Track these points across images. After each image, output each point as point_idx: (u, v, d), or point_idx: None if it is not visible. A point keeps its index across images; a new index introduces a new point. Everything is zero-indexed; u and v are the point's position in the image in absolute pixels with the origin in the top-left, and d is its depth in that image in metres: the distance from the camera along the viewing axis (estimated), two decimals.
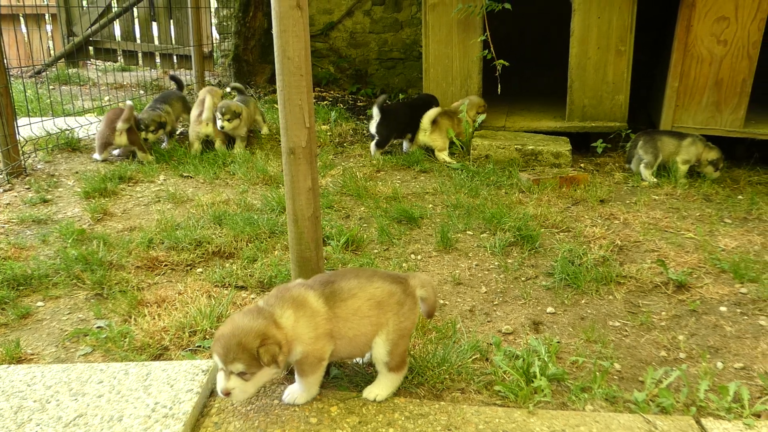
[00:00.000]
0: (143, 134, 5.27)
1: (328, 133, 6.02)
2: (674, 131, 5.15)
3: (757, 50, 5.04)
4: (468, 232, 3.97)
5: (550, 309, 3.11)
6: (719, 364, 2.69)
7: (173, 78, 6.44)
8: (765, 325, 2.99)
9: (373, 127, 5.44)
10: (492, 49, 5.47)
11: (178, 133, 6.01)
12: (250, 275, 3.25)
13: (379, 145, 5.46)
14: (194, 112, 5.56)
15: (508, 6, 5.30)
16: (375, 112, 5.41)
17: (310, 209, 2.31)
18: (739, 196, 4.74)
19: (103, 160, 5.19)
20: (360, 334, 2.19)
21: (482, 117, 5.59)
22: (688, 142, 4.97)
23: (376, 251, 3.68)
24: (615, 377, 2.59)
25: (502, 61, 5.38)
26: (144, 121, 5.30)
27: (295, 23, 2.13)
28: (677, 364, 2.68)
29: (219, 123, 5.29)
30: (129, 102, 5.31)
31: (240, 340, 1.96)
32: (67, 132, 5.55)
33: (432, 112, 5.38)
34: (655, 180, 4.97)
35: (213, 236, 3.66)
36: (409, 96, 7.59)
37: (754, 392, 2.49)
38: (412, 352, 2.60)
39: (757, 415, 2.34)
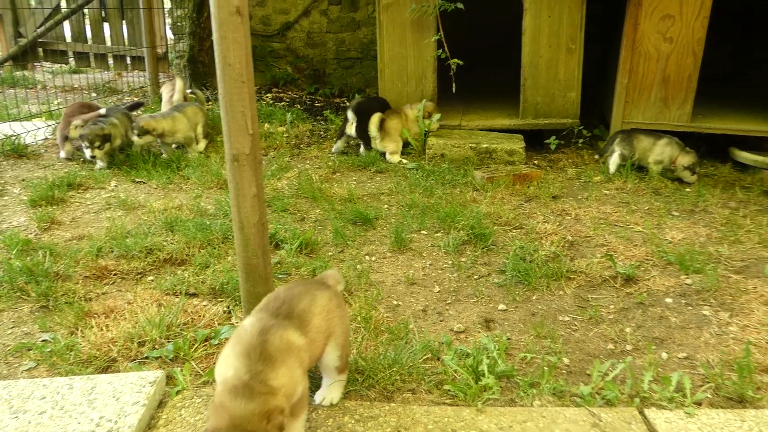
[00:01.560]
0: (88, 151, 5.00)
1: (285, 135, 5.99)
2: (653, 131, 5.20)
3: (702, 47, 5.18)
4: (422, 231, 4.00)
5: (501, 306, 3.16)
6: (664, 355, 2.77)
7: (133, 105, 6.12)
8: (708, 315, 3.09)
9: (353, 131, 5.47)
10: (446, 48, 5.51)
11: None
12: (202, 282, 3.22)
13: (366, 146, 5.52)
14: (165, 95, 5.89)
15: (460, 6, 5.34)
16: (350, 115, 5.45)
17: (256, 216, 2.30)
18: (687, 189, 4.87)
19: (68, 159, 5.20)
20: (320, 348, 2.16)
21: (437, 116, 5.62)
22: (663, 143, 5.03)
23: (330, 253, 3.68)
24: (563, 372, 2.64)
25: (456, 60, 5.42)
26: (87, 136, 4.96)
27: (235, 30, 2.12)
28: (624, 356, 2.75)
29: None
30: (102, 110, 5.42)
31: (245, 430, 1.73)
32: (14, 138, 5.41)
33: (375, 118, 5.38)
34: (613, 171, 5.08)
35: (165, 243, 3.61)
36: (367, 95, 7.62)
37: (696, 381, 2.57)
38: (363, 355, 2.62)
39: (699, 404, 2.41)
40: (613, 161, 5.11)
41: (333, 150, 5.60)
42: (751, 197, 4.73)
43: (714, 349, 2.80)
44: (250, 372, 1.80)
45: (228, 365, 1.85)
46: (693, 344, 2.85)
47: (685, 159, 4.97)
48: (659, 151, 5.03)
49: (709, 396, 2.47)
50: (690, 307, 3.16)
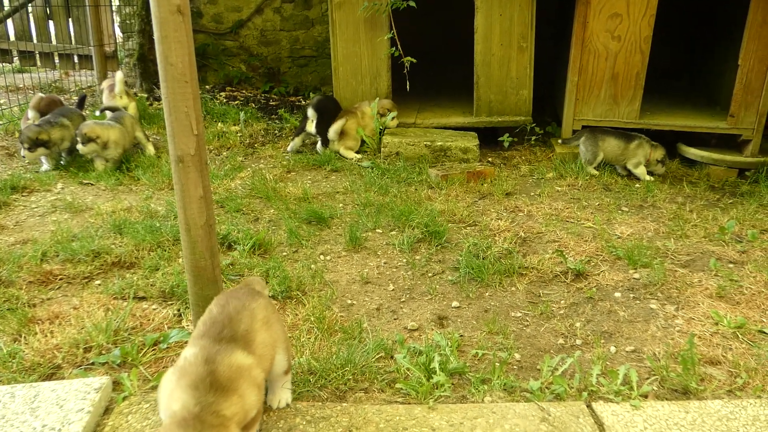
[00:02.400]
0: (22, 152, 4.85)
1: (238, 134, 5.91)
2: (621, 132, 5.28)
3: (649, 45, 5.30)
4: (377, 230, 4.00)
5: (455, 303, 3.18)
6: (612, 349, 2.83)
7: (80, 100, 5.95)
8: (655, 309, 3.17)
9: (313, 128, 5.47)
10: (399, 46, 5.52)
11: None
12: (151, 285, 3.15)
13: (324, 144, 5.53)
14: (106, 90, 5.95)
15: (412, 3, 5.35)
16: (311, 113, 5.44)
17: (203, 217, 2.26)
18: (637, 185, 4.99)
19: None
20: (269, 360, 2.10)
21: (394, 113, 5.62)
22: (635, 145, 5.12)
23: (284, 254, 3.65)
24: (515, 367, 2.68)
25: (409, 58, 5.43)
26: (21, 137, 4.80)
27: (176, 28, 2.08)
28: (574, 350, 2.80)
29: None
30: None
31: None
32: None
33: (337, 126, 5.40)
34: (596, 172, 5.18)
35: (113, 246, 3.52)
36: (323, 93, 7.59)
37: (643, 374, 2.63)
38: (315, 355, 2.60)
39: (645, 396, 2.47)
40: (587, 167, 5.22)
41: (288, 149, 5.56)
42: (698, 192, 4.87)
43: (660, 342, 2.87)
44: (200, 404, 1.71)
45: (174, 399, 1.74)
46: (640, 337, 2.92)
47: (657, 153, 5.13)
48: (634, 154, 5.14)
49: (655, 388, 2.54)
50: (638, 301, 3.24)
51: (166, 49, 2.09)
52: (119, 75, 5.97)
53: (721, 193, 4.88)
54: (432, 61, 7.04)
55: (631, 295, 3.29)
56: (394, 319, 3.02)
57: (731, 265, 3.63)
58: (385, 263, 3.59)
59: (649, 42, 5.29)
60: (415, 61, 5.43)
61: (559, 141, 5.58)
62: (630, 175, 5.23)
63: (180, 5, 2.06)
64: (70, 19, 8.32)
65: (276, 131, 6.22)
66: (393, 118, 5.63)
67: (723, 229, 4.02)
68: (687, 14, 6.89)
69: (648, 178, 5.13)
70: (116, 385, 2.37)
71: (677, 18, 6.79)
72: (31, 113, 5.44)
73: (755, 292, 3.31)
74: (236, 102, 7.33)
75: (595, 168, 5.21)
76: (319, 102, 5.50)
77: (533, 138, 5.83)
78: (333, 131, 5.38)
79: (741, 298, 3.24)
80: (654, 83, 5.85)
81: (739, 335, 2.91)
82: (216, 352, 1.85)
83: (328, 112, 5.47)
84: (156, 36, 2.09)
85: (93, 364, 2.52)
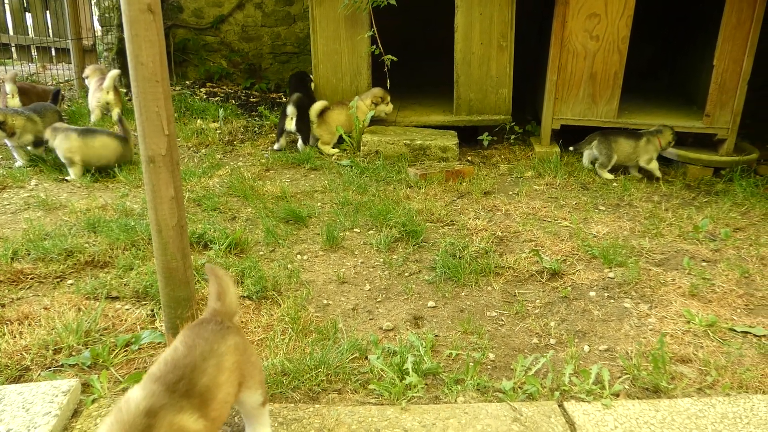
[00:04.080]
0: None
1: (218, 131, 5.87)
2: (628, 131, 5.29)
3: (626, 45, 5.34)
4: (355, 229, 3.99)
5: (431, 303, 3.19)
6: (586, 348, 2.85)
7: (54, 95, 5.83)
8: (629, 308, 3.19)
9: (293, 126, 5.46)
10: (379, 44, 5.51)
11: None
12: (125, 284, 3.12)
13: (305, 141, 5.57)
14: (94, 83, 5.98)
15: (393, 2, 5.34)
16: (290, 110, 5.42)
17: (174, 218, 2.24)
18: (614, 184, 5.02)
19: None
20: (225, 416, 1.86)
21: (371, 114, 5.62)
22: (644, 141, 5.16)
23: (261, 253, 3.63)
24: (489, 367, 2.69)
25: (390, 56, 5.42)
26: None
27: (147, 27, 2.05)
28: (548, 350, 2.81)
29: None
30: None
31: None
32: None
33: (318, 105, 5.39)
34: (611, 176, 5.17)
35: (86, 245, 3.48)
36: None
37: (615, 373, 2.66)
38: (289, 356, 2.59)
39: (616, 395, 2.50)
40: (601, 171, 5.20)
41: (276, 147, 5.54)
42: (674, 191, 4.92)
43: (633, 340, 2.90)
44: None
45: None
46: (614, 336, 2.95)
47: (665, 138, 5.18)
48: (644, 151, 5.17)
49: (627, 387, 2.56)
50: (612, 300, 3.27)
51: (136, 48, 2.06)
52: (114, 72, 6.05)
53: (697, 191, 4.94)
54: (413, 59, 7.02)
55: (606, 294, 3.32)
56: (370, 319, 3.02)
57: (704, 264, 3.67)
58: (362, 263, 3.58)
59: (626, 42, 5.33)
60: (395, 59, 5.42)
61: (570, 148, 5.48)
62: (650, 177, 5.22)
63: (150, 4, 2.04)
64: (47, 12, 8.21)
65: (256, 128, 6.18)
66: (388, 103, 5.68)
67: (697, 228, 4.06)
68: (665, 15, 6.94)
69: (659, 173, 5.17)
70: (86, 387, 2.34)
71: (656, 18, 6.85)
72: (8, 87, 5.58)
73: (727, 290, 3.35)
74: (216, 98, 7.27)
75: (609, 171, 5.20)
76: (299, 99, 5.48)
77: (513, 137, 5.85)
78: (313, 111, 5.38)
79: (713, 297, 3.28)
80: (632, 83, 5.90)
81: (710, 333, 2.94)
82: (162, 406, 1.60)
83: (306, 108, 5.44)
84: (126, 35, 2.07)
85: (62, 366, 2.49)
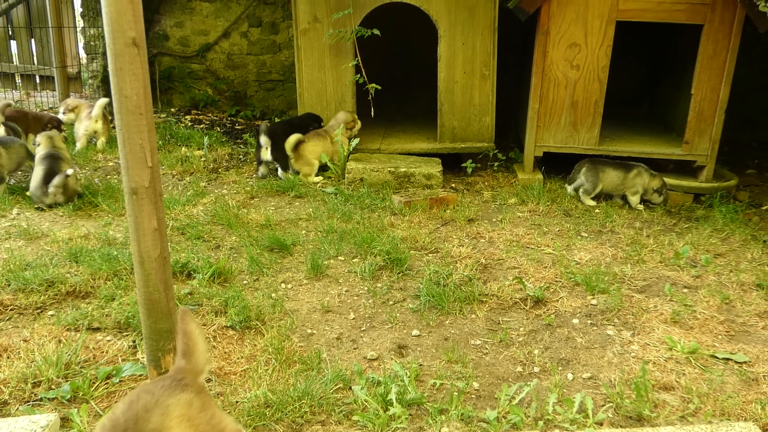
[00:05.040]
0: None
1: (202, 159, 5.87)
2: (619, 162, 5.33)
3: (606, 74, 5.44)
4: (340, 257, 4.00)
5: (415, 332, 3.19)
6: (569, 376, 2.86)
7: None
8: (612, 335, 3.22)
9: (268, 155, 5.46)
10: (363, 73, 5.57)
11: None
12: (106, 315, 3.09)
13: (284, 169, 5.54)
14: (84, 111, 6.06)
15: (376, 32, 5.42)
16: (263, 140, 5.42)
17: (157, 250, 2.24)
18: (596, 210, 5.08)
19: None
20: None
21: (356, 141, 5.67)
22: (633, 174, 5.18)
23: (245, 282, 3.62)
24: (473, 396, 2.69)
25: (374, 85, 5.48)
26: None
27: (131, 61, 2.07)
28: (532, 378, 2.82)
29: None
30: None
31: None
32: None
33: (292, 139, 5.37)
34: (593, 203, 5.21)
35: (68, 275, 3.45)
36: (289, 116, 7.61)
37: (599, 401, 2.67)
38: (273, 388, 2.58)
39: (600, 424, 2.50)
40: (584, 197, 5.24)
41: (259, 175, 5.56)
42: (655, 217, 4.98)
43: (616, 368, 2.91)
44: None
45: None
46: (597, 364, 2.96)
47: (654, 183, 5.18)
48: (632, 183, 5.19)
49: (610, 415, 2.57)
50: (595, 327, 3.29)
51: (120, 81, 2.08)
52: (103, 100, 6.09)
53: (678, 217, 5.00)
54: (398, 87, 7.12)
55: (589, 322, 3.34)
56: (354, 349, 3.01)
57: (686, 290, 3.71)
58: (346, 291, 3.58)
59: (606, 71, 5.43)
60: (379, 87, 5.48)
61: (566, 185, 5.50)
62: (631, 205, 5.25)
63: (135, 38, 2.06)
64: (32, 40, 8.22)
65: (241, 156, 6.20)
66: (357, 121, 5.76)
67: (678, 254, 4.11)
68: (645, 45, 7.10)
69: (640, 207, 5.17)
70: (65, 421, 2.31)
71: (636, 49, 7.01)
72: None
73: (708, 316, 3.38)
74: (201, 125, 7.29)
75: (592, 198, 5.24)
76: (270, 128, 5.51)
77: (496, 164, 5.92)
78: (288, 145, 5.37)
79: (694, 323, 3.32)
80: (614, 111, 6.00)
81: (692, 360, 2.97)
82: None
83: (279, 136, 5.45)
84: (110, 68, 2.08)
85: (41, 399, 2.46)
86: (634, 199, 5.22)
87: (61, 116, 6.21)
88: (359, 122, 5.78)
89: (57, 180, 4.47)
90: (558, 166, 5.93)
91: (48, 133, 4.95)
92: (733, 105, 5.49)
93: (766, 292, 3.69)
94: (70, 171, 4.54)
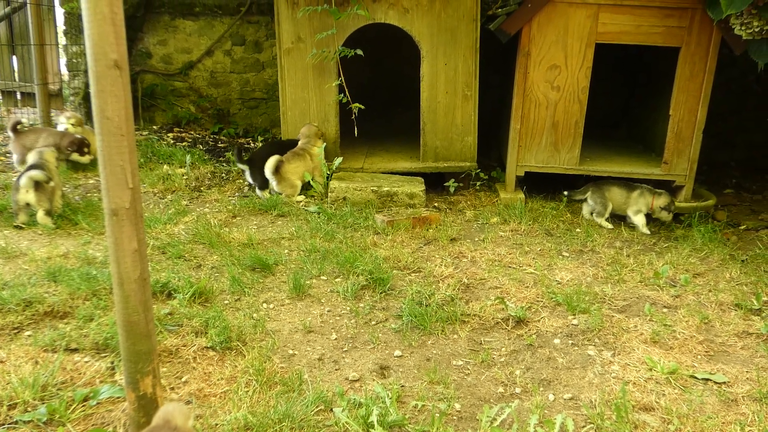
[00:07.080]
0: None
1: (184, 177, 5.85)
2: (623, 181, 5.39)
3: (586, 95, 5.52)
4: (322, 277, 3.99)
5: (397, 352, 3.18)
6: (551, 396, 2.87)
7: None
8: (593, 355, 3.23)
9: (249, 179, 5.66)
10: (347, 92, 5.60)
11: None
12: (84, 336, 3.05)
13: (262, 188, 5.61)
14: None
15: (360, 52, 5.46)
16: (241, 167, 5.63)
17: (137, 271, 2.22)
18: (577, 230, 5.12)
19: None
20: None
21: (339, 160, 5.68)
22: (636, 194, 5.23)
23: (226, 302, 3.60)
24: (455, 418, 2.68)
25: (357, 104, 5.51)
26: None
27: (113, 83, 2.07)
28: (513, 399, 2.82)
29: None
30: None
31: None
32: None
33: (271, 162, 5.38)
34: (610, 226, 5.24)
35: (46, 295, 3.40)
36: (275, 136, 7.62)
37: (579, 422, 2.67)
38: (253, 410, 2.55)
39: None
40: (599, 220, 5.29)
41: (258, 195, 5.62)
42: (635, 236, 5.04)
43: (597, 388, 2.93)
44: None
45: None
46: (578, 384, 2.97)
47: (660, 200, 5.21)
48: (635, 203, 5.23)
49: None
50: (576, 348, 3.30)
51: (102, 103, 2.07)
52: (76, 118, 6.06)
53: (657, 237, 5.06)
54: (381, 107, 7.16)
55: (570, 342, 3.36)
56: (336, 370, 3.00)
57: (665, 310, 3.74)
58: (328, 311, 3.57)
59: (586, 92, 5.51)
60: (362, 107, 5.51)
61: (564, 193, 5.54)
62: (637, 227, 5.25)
63: (117, 60, 2.05)
64: (14, 57, 8.17)
65: (223, 174, 6.18)
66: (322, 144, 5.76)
67: (658, 274, 4.16)
68: (625, 67, 7.22)
69: (645, 230, 5.17)
70: None
71: (616, 71, 7.12)
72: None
73: (687, 336, 3.42)
74: (184, 143, 7.27)
75: (606, 220, 5.28)
76: (249, 159, 5.65)
77: (478, 183, 5.96)
78: (268, 170, 5.39)
79: (674, 343, 3.35)
80: (594, 131, 6.08)
81: (672, 380, 2.99)
82: None
83: (255, 162, 5.56)
84: (92, 90, 2.07)
85: (17, 422, 2.42)
86: (637, 219, 5.22)
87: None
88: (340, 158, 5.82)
89: (32, 173, 4.39)
90: (540, 185, 5.99)
91: (40, 149, 4.92)
92: (711, 125, 5.59)
93: (744, 312, 3.74)
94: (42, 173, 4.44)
